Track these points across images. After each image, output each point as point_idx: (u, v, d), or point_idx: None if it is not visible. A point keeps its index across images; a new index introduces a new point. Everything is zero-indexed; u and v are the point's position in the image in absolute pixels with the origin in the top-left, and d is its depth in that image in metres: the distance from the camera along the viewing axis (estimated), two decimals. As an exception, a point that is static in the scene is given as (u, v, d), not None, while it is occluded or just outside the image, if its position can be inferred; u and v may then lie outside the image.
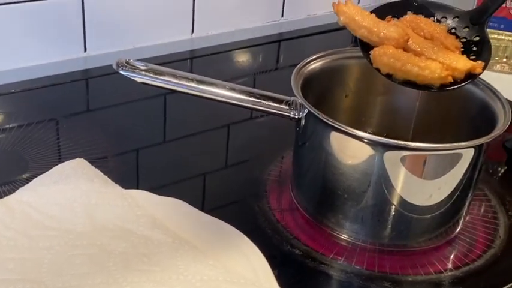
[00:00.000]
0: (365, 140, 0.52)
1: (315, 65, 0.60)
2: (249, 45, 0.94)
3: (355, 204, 0.54)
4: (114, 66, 0.57)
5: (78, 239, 0.51)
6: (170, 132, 0.74)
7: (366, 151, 0.52)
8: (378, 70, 0.55)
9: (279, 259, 0.54)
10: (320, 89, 0.60)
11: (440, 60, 0.53)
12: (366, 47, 0.56)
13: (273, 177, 0.65)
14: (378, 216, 0.55)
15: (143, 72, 0.57)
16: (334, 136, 0.53)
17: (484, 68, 0.54)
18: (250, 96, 0.57)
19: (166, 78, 0.57)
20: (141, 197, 0.56)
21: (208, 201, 0.62)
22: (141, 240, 0.51)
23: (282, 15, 1.01)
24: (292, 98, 0.57)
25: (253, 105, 0.57)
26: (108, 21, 0.85)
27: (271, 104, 0.57)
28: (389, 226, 0.55)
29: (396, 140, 0.52)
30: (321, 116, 0.53)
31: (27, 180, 0.59)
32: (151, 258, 0.49)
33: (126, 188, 0.58)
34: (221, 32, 0.95)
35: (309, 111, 0.54)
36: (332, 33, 1.00)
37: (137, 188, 0.58)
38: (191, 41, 0.93)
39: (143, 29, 0.88)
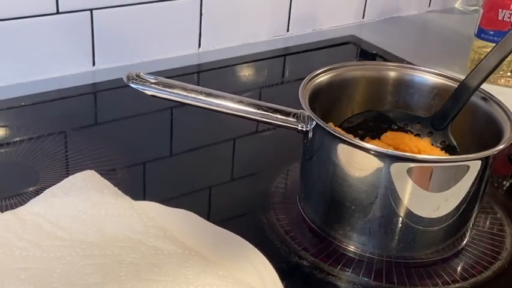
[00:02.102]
0: (372, 152, 0.52)
1: (323, 78, 0.61)
2: (255, 59, 0.95)
3: (363, 216, 0.55)
4: (125, 79, 0.58)
5: (89, 249, 0.51)
6: (177, 145, 0.75)
7: (373, 163, 0.53)
8: None
9: (287, 270, 0.55)
10: (327, 101, 0.60)
11: None
12: None
13: (280, 190, 0.65)
14: (385, 228, 0.55)
15: (153, 85, 0.58)
16: (342, 148, 0.54)
17: None
18: (258, 109, 0.58)
19: (175, 91, 0.58)
20: (151, 208, 0.57)
21: (215, 214, 0.63)
22: (151, 251, 0.52)
23: (288, 30, 1.03)
24: (300, 111, 0.58)
25: (261, 117, 0.58)
26: (116, 35, 0.86)
27: (279, 116, 0.58)
28: (397, 238, 0.55)
29: (403, 152, 0.53)
30: (329, 129, 0.53)
31: (38, 192, 0.59)
32: (162, 268, 0.50)
33: (134, 200, 0.58)
34: (227, 47, 0.96)
35: (316, 123, 0.55)
36: (337, 48, 1.01)
37: (144, 200, 0.59)
38: (198, 55, 0.94)
39: (151, 43, 0.89)
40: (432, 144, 0.61)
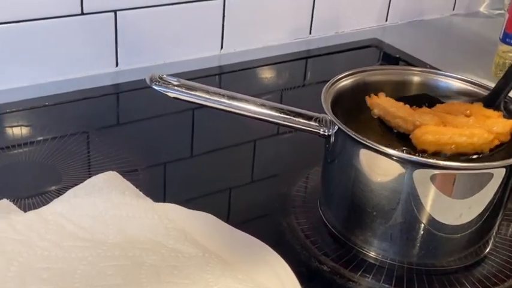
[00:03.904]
0: (395, 158, 0.52)
1: (345, 82, 0.60)
2: (276, 61, 0.95)
3: (384, 222, 0.55)
4: (148, 81, 0.58)
5: (110, 250, 0.52)
6: (198, 146, 0.75)
7: (396, 169, 0.52)
8: (424, 152, 0.55)
9: (307, 275, 0.54)
10: (350, 106, 0.60)
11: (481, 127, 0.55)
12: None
13: (301, 193, 0.65)
14: (406, 235, 0.54)
15: (175, 88, 0.58)
16: (364, 153, 0.53)
17: None
18: (280, 113, 0.58)
19: (198, 93, 0.58)
20: (171, 210, 0.57)
21: (235, 216, 0.63)
22: (172, 253, 0.52)
23: (310, 33, 1.02)
24: (322, 115, 0.58)
25: (283, 121, 0.58)
26: (140, 36, 0.86)
27: (301, 120, 0.58)
28: (418, 245, 0.55)
29: (426, 159, 0.52)
30: (351, 134, 0.53)
31: (60, 192, 0.60)
32: (182, 271, 0.50)
33: (155, 201, 0.58)
34: (250, 49, 0.96)
35: (338, 128, 0.55)
36: (360, 51, 1.00)
37: (164, 201, 0.59)
38: (220, 57, 0.94)
39: (174, 44, 0.90)
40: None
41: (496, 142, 0.55)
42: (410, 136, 0.56)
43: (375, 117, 0.60)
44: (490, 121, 0.56)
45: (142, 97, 0.82)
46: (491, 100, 0.60)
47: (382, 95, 0.60)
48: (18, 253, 0.50)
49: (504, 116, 0.58)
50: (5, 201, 0.56)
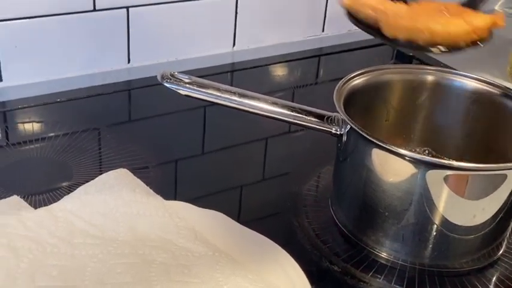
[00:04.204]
0: (407, 158, 0.51)
1: (358, 81, 0.60)
2: (289, 59, 0.95)
3: (396, 223, 0.54)
4: (159, 79, 0.58)
5: (120, 248, 0.52)
6: (209, 143, 0.75)
7: (408, 169, 0.52)
8: (395, 41, 0.51)
9: (318, 275, 0.54)
10: (362, 105, 0.59)
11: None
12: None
13: (312, 193, 0.64)
14: (419, 235, 0.54)
15: (187, 85, 0.58)
16: (376, 153, 0.53)
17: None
18: (291, 111, 0.57)
19: (209, 91, 0.58)
20: (182, 208, 0.57)
21: (245, 214, 0.62)
22: (182, 252, 0.52)
23: (323, 30, 1.02)
24: (334, 114, 0.57)
25: (295, 119, 0.58)
26: (152, 33, 0.86)
27: (313, 119, 0.58)
28: (431, 246, 0.54)
29: (439, 159, 0.52)
30: (364, 133, 0.52)
31: (71, 188, 0.60)
32: (192, 269, 0.50)
33: (165, 199, 0.58)
34: (262, 46, 0.96)
35: (351, 127, 0.54)
36: (373, 49, 0.99)
37: (175, 199, 0.59)
38: (232, 54, 0.94)
39: (186, 41, 0.89)
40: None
41: (474, 36, 0.50)
42: (381, 23, 0.52)
43: (344, 7, 0.56)
44: (470, 15, 0.51)
45: (154, 94, 0.82)
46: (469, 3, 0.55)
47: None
48: (28, 250, 0.50)
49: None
50: (15, 197, 0.56)
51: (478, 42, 0.51)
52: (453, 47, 0.50)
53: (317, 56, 0.98)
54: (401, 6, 0.52)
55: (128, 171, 0.61)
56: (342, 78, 0.60)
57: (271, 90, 0.85)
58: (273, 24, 0.96)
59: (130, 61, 0.86)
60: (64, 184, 0.62)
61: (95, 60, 0.83)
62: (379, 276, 0.54)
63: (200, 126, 0.78)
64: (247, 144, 0.75)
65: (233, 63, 0.92)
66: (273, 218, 0.62)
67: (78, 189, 0.58)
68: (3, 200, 0.56)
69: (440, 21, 0.50)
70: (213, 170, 0.69)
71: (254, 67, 0.91)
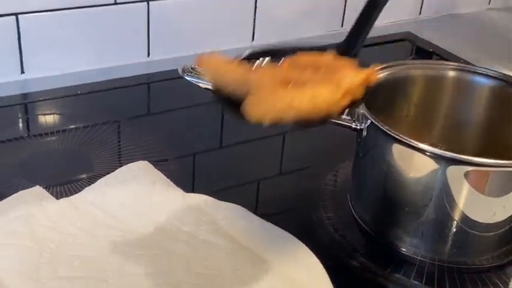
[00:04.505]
0: (428, 153, 0.51)
1: (380, 75, 0.59)
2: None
3: (416, 218, 0.54)
4: (180, 72, 0.59)
5: (141, 239, 0.52)
6: (227, 137, 0.75)
7: (429, 164, 0.51)
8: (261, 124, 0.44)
9: (336, 270, 0.54)
10: (382, 100, 0.59)
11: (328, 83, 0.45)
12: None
13: (330, 187, 0.64)
14: (438, 232, 0.54)
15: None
16: (397, 148, 0.53)
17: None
18: (312, 105, 0.57)
19: (230, 85, 0.58)
20: (203, 201, 0.57)
21: (263, 208, 0.62)
22: (202, 244, 0.52)
23: (342, 25, 1.01)
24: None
25: (315, 114, 0.57)
26: (171, 27, 0.86)
27: (333, 114, 0.57)
28: (450, 242, 0.54)
29: (460, 155, 0.51)
30: (384, 128, 0.52)
31: (92, 180, 0.60)
32: (212, 262, 0.50)
33: (185, 192, 0.59)
34: (281, 41, 0.96)
35: (371, 122, 0.54)
36: (392, 44, 0.99)
37: (193, 192, 0.59)
38: (252, 49, 0.93)
39: (205, 35, 0.89)
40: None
41: (347, 100, 0.45)
42: (241, 108, 0.44)
43: (208, 86, 0.49)
44: (339, 74, 0.45)
45: (173, 87, 0.82)
46: (348, 46, 0.52)
47: (215, 54, 0.48)
48: (51, 240, 0.51)
49: (361, 65, 0.49)
50: (38, 188, 0.57)
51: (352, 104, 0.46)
52: (326, 117, 0.45)
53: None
54: (267, 76, 0.46)
55: (149, 163, 0.61)
56: None
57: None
58: (292, 19, 0.96)
59: (150, 54, 0.86)
60: (85, 176, 0.62)
61: (115, 53, 0.84)
62: (398, 271, 0.54)
63: (218, 120, 0.79)
64: (265, 139, 0.75)
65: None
66: (291, 213, 0.63)
67: (99, 180, 0.58)
68: (26, 191, 0.56)
69: (305, 95, 0.43)
70: (231, 164, 0.69)
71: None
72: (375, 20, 0.53)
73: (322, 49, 0.51)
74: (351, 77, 0.46)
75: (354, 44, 0.52)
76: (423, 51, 0.95)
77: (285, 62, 0.49)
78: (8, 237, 0.50)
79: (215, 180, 0.65)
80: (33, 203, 0.54)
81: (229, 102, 0.45)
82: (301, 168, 0.69)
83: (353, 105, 0.46)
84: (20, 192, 0.56)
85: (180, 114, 0.78)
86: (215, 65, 0.46)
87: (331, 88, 0.44)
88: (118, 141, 0.70)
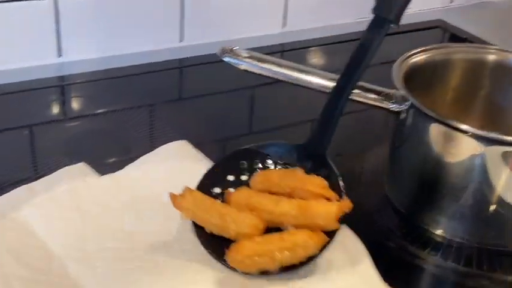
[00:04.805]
0: (469, 134, 0.51)
1: (417, 58, 0.59)
2: (339, 40, 0.94)
3: (454, 201, 0.54)
4: (218, 53, 0.59)
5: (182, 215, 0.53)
6: (257, 123, 0.75)
7: (470, 146, 0.51)
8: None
9: (373, 251, 0.54)
10: (420, 83, 0.59)
11: (304, 223, 0.47)
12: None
13: (364, 171, 0.65)
14: (477, 214, 0.54)
15: (246, 60, 0.58)
16: (437, 130, 0.53)
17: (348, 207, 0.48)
18: (350, 87, 0.57)
19: (268, 66, 0.58)
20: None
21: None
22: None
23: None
24: (392, 91, 0.57)
25: (353, 96, 0.57)
26: (204, 13, 0.87)
27: (371, 95, 0.58)
28: (489, 225, 0.54)
29: (502, 135, 0.51)
30: (424, 109, 0.52)
31: (131, 160, 0.61)
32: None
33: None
34: (312, 27, 0.96)
35: (411, 103, 0.54)
36: (423, 32, 0.98)
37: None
38: (282, 35, 0.94)
39: (237, 21, 0.90)
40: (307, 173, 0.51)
41: (325, 238, 0.47)
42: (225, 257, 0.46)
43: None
44: (312, 212, 0.47)
45: (205, 72, 0.82)
46: (313, 148, 0.52)
47: (188, 191, 0.48)
48: (95, 213, 0.52)
49: (329, 180, 0.50)
50: (82, 164, 0.58)
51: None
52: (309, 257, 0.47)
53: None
54: (245, 216, 0.47)
55: (188, 142, 0.61)
56: (390, 61, 0.59)
57: (320, 71, 0.84)
58: (324, 6, 0.96)
59: (184, 39, 0.87)
60: (123, 156, 0.63)
61: (148, 38, 0.84)
62: (435, 253, 0.54)
63: (248, 106, 0.79)
64: (298, 125, 0.75)
65: (283, 44, 0.92)
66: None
67: (140, 158, 0.59)
68: (70, 166, 0.57)
69: (285, 246, 0.45)
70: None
71: (304, 48, 0.91)
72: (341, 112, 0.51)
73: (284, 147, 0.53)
74: (324, 214, 0.47)
75: (320, 146, 0.52)
76: (457, 39, 0.94)
77: (256, 182, 0.50)
78: (54, 210, 0.51)
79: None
80: (78, 178, 0.55)
81: (212, 237, 0.48)
82: (335, 154, 0.69)
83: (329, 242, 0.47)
84: (65, 168, 0.57)
85: (212, 99, 0.78)
86: (192, 203, 0.48)
87: (306, 235, 0.46)
88: (152, 125, 0.71)
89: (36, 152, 0.66)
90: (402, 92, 0.54)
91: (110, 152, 0.64)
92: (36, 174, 0.58)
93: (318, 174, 0.50)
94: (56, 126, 0.70)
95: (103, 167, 0.60)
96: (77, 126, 0.70)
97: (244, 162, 0.53)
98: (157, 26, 0.85)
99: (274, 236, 0.47)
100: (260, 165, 0.52)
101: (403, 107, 0.56)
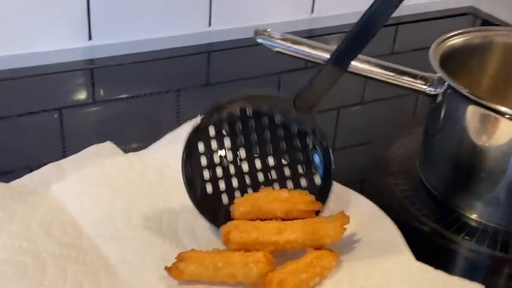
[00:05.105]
0: (508, 117, 0.50)
1: (456, 41, 0.58)
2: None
3: (491, 185, 0.53)
4: (252, 35, 0.58)
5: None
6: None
7: (509, 129, 0.50)
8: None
9: (407, 236, 0.53)
10: (458, 66, 0.58)
11: (311, 246, 0.47)
12: None
13: (398, 156, 0.64)
14: (514, 199, 0.53)
15: (280, 42, 0.58)
16: (475, 112, 0.52)
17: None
18: (385, 70, 0.57)
19: (302, 48, 0.58)
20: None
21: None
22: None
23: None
24: (428, 74, 0.56)
25: (388, 79, 0.57)
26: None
27: (407, 78, 0.57)
28: (527, 210, 0.53)
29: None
30: (463, 91, 0.51)
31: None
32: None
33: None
34: (341, 13, 0.95)
35: (448, 86, 0.53)
36: (454, 18, 0.97)
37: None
38: (310, 21, 0.93)
39: (264, 6, 0.89)
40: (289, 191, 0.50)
41: (338, 255, 0.47)
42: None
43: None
44: (321, 234, 0.47)
45: (233, 58, 0.82)
46: (301, 104, 0.50)
47: (189, 257, 0.45)
48: (123, 190, 0.52)
49: (314, 136, 0.50)
50: (109, 143, 0.58)
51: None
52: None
53: (395, 24, 0.96)
54: (254, 271, 0.45)
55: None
56: (420, 48, 0.59)
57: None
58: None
59: (211, 24, 0.87)
60: (148, 142, 0.62)
61: (177, 22, 0.84)
62: (470, 238, 0.54)
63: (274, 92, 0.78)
64: (322, 112, 0.74)
65: (311, 30, 0.91)
66: (359, 182, 0.62)
67: (164, 137, 0.59)
68: (97, 145, 0.57)
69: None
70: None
71: (332, 33, 0.90)
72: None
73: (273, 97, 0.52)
74: (334, 236, 0.47)
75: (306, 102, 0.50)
76: (488, 25, 0.93)
77: (242, 211, 0.49)
78: (83, 186, 0.52)
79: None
80: (105, 156, 0.55)
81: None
82: (369, 139, 0.68)
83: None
84: (92, 146, 0.57)
85: (238, 85, 0.78)
86: (192, 267, 0.45)
87: (329, 255, 0.46)
88: (178, 109, 0.71)
89: (64, 134, 0.66)
90: (439, 74, 0.53)
91: (136, 136, 0.64)
92: (64, 156, 0.58)
93: (304, 130, 0.50)
94: (84, 109, 0.70)
95: (129, 151, 0.60)
96: (105, 110, 0.70)
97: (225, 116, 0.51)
98: (186, 11, 0.84)
99: (302, 262, 0.46)
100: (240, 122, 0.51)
101: (440, 89, 0.55)
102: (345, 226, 0.47)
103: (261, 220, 0.48)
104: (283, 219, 0.48)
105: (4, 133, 0.64)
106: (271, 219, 0.48)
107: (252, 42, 0.60)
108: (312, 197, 0.49)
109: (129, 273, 0.46)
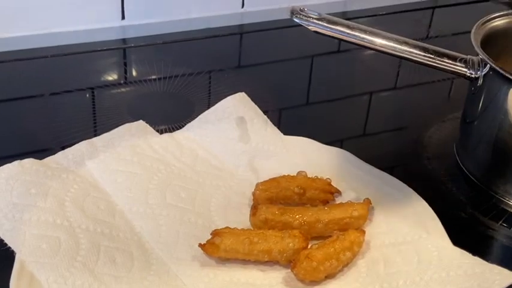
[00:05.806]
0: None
1: (498, 22, 0.57)
2: (399, 10, 0.91)
3: (532, 171, 0.51)
4: (288, 14, 0.57)
5: (240, 185, 0.52)
6: (314, 93, 0.73)
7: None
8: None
9: (443, 221, 0.52)
10: (499, 48, 0.56)
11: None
12: None
13: (435, 141, 0.62)
14: (556, 186, 0.51)
15: (316, 21, 0.56)
16: (519, 95, 0.50)
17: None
18: (424, 52, 0.55)
19: (338, 28, 0.56)
20: (302, 143, 0.56)
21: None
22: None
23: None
24: (468, 56, 0.55)
25: (427, 61, 0.55)
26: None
27: (446, 60, 0.55)
28: None
29: None
30: (506, 73, 0.50)
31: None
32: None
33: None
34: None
35: (490, 68, 0.51)
36: (473, 5, 0.94)
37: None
38: (345, 3, 0.92)
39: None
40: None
41: (365, 233, 0.48)
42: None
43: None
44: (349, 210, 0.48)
45: (265, 39, 0.81)
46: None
47: (225, 232, 0.46)
48: (157, 169, 0.52)
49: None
50: (141, 122, 0.57)
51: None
52: None
53: (430, 8, 0.94)
54: (290, 245, 0.45)
55: (246, 95, 0.60)
56: (454, 33, 0.57)
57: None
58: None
59: (244, 5, 0.86)
60: (179, 123, 0.62)
61: (210, 3, 0.83)
62: (508, 225, 0.52)
63: (306, 76, 0.77)
64: (354, 97, 0.73)
65: (345, 12, 0.90)
66: (395, 167, 0.60)
67: (199, 117, 0.58)
68: (130, 124, 0.57)
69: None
70: (330, 119, 0.68)
71: (366, 16, 0.89)
72: None
73: None
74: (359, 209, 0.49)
75: None
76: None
77: (261, 188, 0.50)
78: (117, 164, 0.51)
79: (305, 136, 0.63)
80: (138, 135, 0.55)
81: None
82: (404, 124, 0.67)
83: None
84: (125, 124, 0.57)
85: (271, 68, 0.77)
86: (232, 237, 0.45)
87: (355, 231, 0.47)
88: (209, 91, 0.70)
89: (96, 113, 0.66)
90: (481, 55, 0.52)
91: (168, 117, 0.64)
92: (96, 135, 0.58)
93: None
94: (116, 89, 0.70)
95: (160, 132, 0.59)
96: (137, 90, 0.70)
97: None
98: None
99: (330, 239, 0.46)
100: None
101: (481, 72, 0.53)
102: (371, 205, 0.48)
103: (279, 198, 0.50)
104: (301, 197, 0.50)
105: (37, 111, 0.64)
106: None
107: (285, 24, 0.59)
108: (329, 180, 0.51)
109: (162, 250, 0.46)
